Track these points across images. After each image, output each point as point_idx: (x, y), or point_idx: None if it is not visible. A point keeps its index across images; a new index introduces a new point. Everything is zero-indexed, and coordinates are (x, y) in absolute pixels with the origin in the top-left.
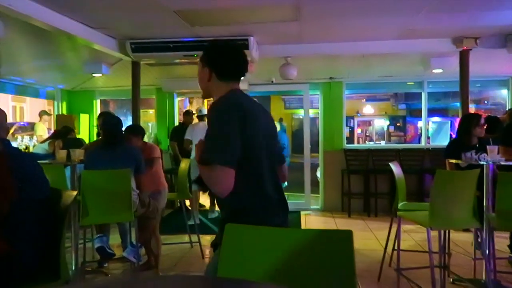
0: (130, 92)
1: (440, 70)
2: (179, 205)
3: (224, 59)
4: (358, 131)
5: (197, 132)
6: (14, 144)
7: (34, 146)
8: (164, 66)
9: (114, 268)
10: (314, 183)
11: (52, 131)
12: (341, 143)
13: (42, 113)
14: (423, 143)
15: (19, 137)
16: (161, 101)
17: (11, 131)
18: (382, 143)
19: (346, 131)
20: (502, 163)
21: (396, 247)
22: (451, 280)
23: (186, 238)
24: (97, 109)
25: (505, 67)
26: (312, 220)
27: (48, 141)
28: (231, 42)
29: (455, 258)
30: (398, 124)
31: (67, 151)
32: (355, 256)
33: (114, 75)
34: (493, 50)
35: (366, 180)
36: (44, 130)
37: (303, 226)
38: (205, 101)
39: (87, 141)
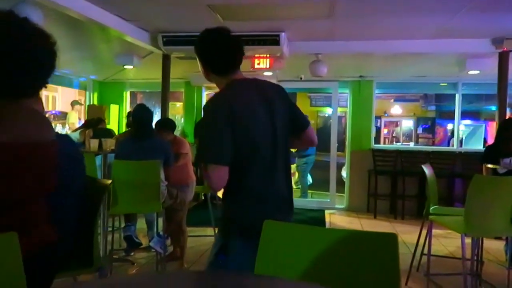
0: (159, 84)
1: (476, 72)
2: (203, 198)
3: (213, 55)
4: (384, 131)
5: None
6: None
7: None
8: (194, 60)
9: (140, 257)
10: (339, 182)
11: (83, 120)
12: (369, 143)
13: (74, 103)
14: (454, 147)
15: (52, 125)
16: (189, 94)
17: None
18: (411, 145)
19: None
20: None
21: (425, 252)
22: None
23: (210, 231)
24: (127, 100)
25: None
26: (337, 220)
27: (79, 130)
28: (220, 32)
29: (487, 266)
30: (427, 126)
31: (99, 140)
32: None
33: (144, 68)
34: None
35: (394, 182)
36: (75, 119)
37: (327, 226)
38: None
39: (116, 132)
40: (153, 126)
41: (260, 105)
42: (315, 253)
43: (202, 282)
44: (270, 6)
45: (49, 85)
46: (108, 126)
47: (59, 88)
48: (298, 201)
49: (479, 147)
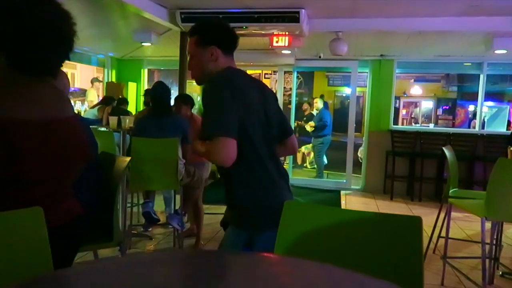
0: (177, 62)
1: (503, 51)
2: (219, 176)
3: (227, 32)
4: (402, 112)
5: None
6: None
7: (85, 111)
8: None
9: (157, 233)
10: (355, 163)
11: (101, 97)
12: (387, 124)
13: (94, 80)
14: (477, 129)
15: (72, 102)
16: None
17: None
18: (431, 126)
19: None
20: None
21: (443, 235)
22: (500, 273)
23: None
24: (145, 78)
25: None
26: (353, 201)
27: (97, 107)
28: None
29: (505, 251)
30: (447, 107)
31: (118, 117)
32: None
33: (162, 45)
34: None
35: (412, 164)
36: (95, 96)
37: (343, 206)
38: None
39: (133, 109)
40: (172, 103)
41: (257, 92)
42: (337, 234)
43: (219, 260)
44: None
45: (68, 62)
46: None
47: (78, 65)
48: (314, 181)
49: (503, 129)
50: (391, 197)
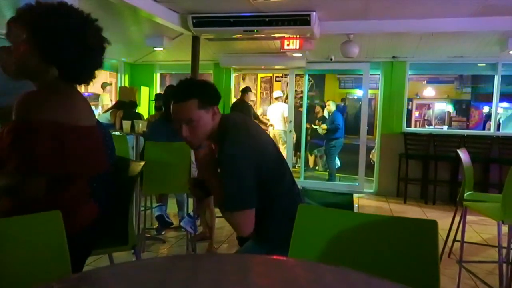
0: (189, 66)
1: None
2: None
3: (211, 86)
4: (415, 114)
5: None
6: None
7: (98, 115)
8: (223, 41)
9: (171, 236)
10: (368, 166)
11: (114, 101)
12: (400, 126)
13: (105, 85)
14: (492, 130)
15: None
16: (218, 76)
17: None
18: (445, 128)
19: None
20: None
21: (458, 238)
22: None
23: None
24: (157, 82)
25: None
26: (366, 204)
27: (110, 111)
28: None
29: None
30: (462, 108)
31: (131, 122)
32: None
33: (174, 49)
34: None
35: (425, 166)
36: (108, 100)
37: (356, 210)
38: (273, 82)
39: (145, 113)
40: None
41: (259, 128)
42: (351, 238)
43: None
44: None
45: None
46: (138, 109)
47: None
48: (326, 184)
49: None
50: (405, 200)
